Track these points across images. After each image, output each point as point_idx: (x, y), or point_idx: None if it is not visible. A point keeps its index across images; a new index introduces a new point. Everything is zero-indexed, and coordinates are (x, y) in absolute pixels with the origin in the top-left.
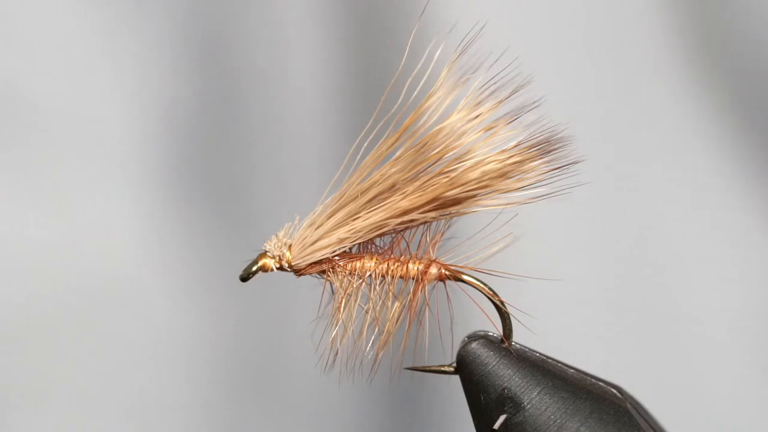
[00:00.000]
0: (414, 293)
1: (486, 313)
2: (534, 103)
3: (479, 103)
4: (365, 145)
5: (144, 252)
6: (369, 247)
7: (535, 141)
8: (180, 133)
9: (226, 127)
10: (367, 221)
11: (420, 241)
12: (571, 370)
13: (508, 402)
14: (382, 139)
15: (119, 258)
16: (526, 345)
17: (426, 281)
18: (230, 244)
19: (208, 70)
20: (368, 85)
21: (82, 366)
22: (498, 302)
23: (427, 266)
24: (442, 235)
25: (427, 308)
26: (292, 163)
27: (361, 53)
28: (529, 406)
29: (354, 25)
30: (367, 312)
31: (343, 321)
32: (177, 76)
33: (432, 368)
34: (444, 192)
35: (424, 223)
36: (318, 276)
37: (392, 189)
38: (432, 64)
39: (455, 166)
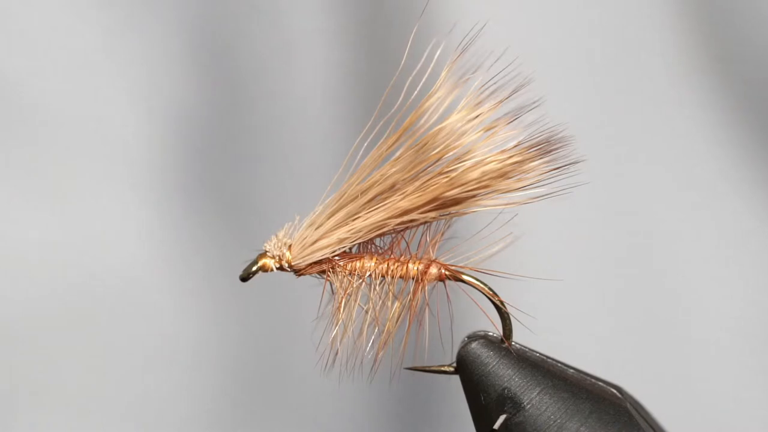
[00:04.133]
0: (414, 293)
1: (486, 313)
2: (534, 103)
3: (479, 103)
4: (365, 145)
5: (147, 253)
6: (369, 247)
7: (535, 141)
8: (184, 134)
9: (230, 128)
10: (367, 221)
11: (420, 241)
12: (571, 370)
13: (508, 402)
14: (382, 139)
15: (123, 259)
16: (526, 345)
17: (426, 281)
18: (234, 244)
19: (212, 70)
20: (369, 86)
21: (86, 366)
22: (498, 302)
23: (427, 266)
24: (442, 235)
25: (427, 308)
26: (295, 162)
27: (361, 53)
28: (529, 406)
29: (355, 26)
30: (367, 312)
31: (343, 321)
32: (183, 76)
33: (432, 368)
34: (444, 192)
35: (424, 223)
36: (318, 276)
37: (392, 189)
38: (432, 64)
39: (455, 166)
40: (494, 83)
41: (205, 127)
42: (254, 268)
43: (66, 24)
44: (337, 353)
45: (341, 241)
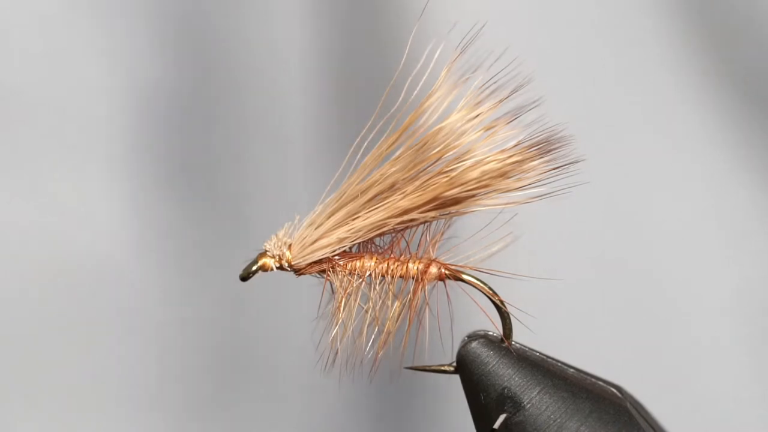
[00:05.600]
0: (414, 293)
1: (486, 313)
2: (534, 102)
3: (479, 103)
4: (365, 144)
5: (135, 244)
6: (369, 246)
7: (534, 140)
8: (183, 133)
9: (229, 128)
10: (367, 221)
11: (420, 241)
12: (571, 370)
13: (508, 402)
14: (382, 139)
15: (106, 250)
16: (526, 344)
17: (426, 281)
18: (234, 244)
19: (203, 62)
20: (369, 85)
21: (70, 356)
22: (498, 302)
23: (427, 266)
24: (442, 234)
25: (427, 308)
26: (294, 162)
27: (361, 52)
28: (529, 405)
29: (355, 24)
30: (367, 311)
31: (343, 320)
32: (171, 67)
33: (432, 368)
34: (444, 192)
35: (424, 222)
36: (318, 275)
37: (392, 188)
38: (432, 63)
39: (455, 166)
40: (494, 83)
41: (204, 127)
42: (254, 268)
43: (39, 10)
44: (337, 353)
45: (341, 240)
